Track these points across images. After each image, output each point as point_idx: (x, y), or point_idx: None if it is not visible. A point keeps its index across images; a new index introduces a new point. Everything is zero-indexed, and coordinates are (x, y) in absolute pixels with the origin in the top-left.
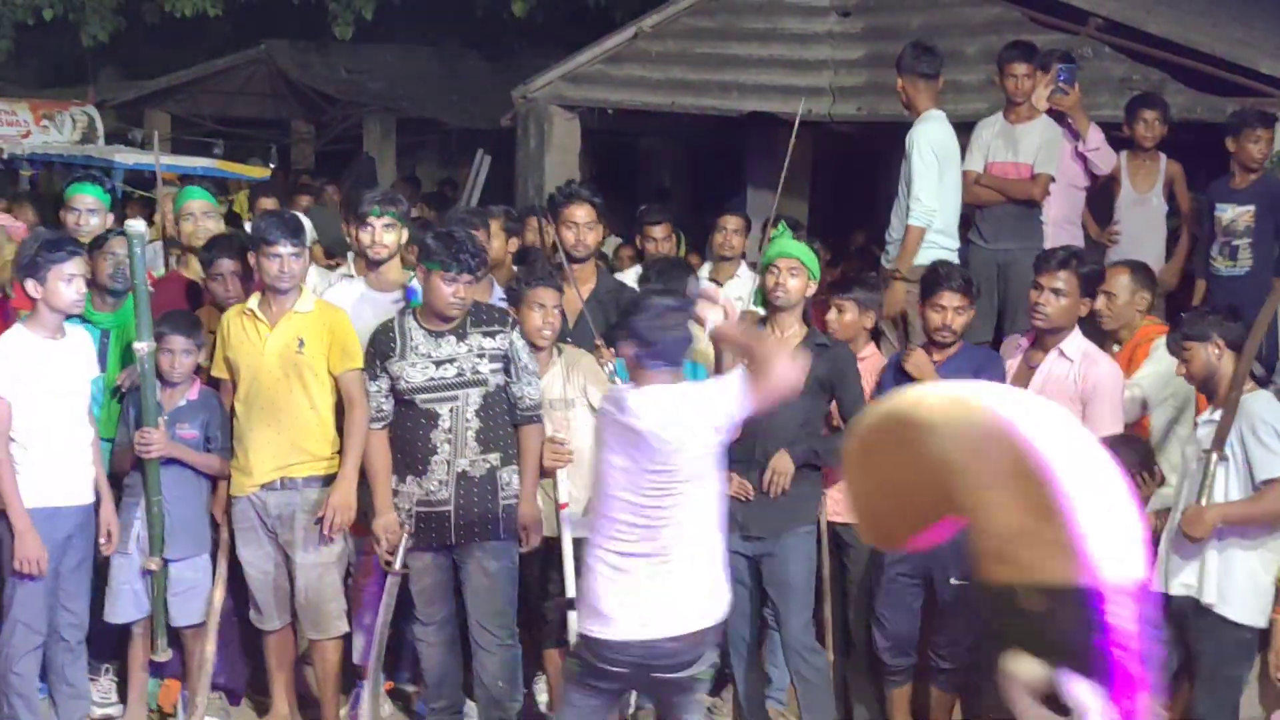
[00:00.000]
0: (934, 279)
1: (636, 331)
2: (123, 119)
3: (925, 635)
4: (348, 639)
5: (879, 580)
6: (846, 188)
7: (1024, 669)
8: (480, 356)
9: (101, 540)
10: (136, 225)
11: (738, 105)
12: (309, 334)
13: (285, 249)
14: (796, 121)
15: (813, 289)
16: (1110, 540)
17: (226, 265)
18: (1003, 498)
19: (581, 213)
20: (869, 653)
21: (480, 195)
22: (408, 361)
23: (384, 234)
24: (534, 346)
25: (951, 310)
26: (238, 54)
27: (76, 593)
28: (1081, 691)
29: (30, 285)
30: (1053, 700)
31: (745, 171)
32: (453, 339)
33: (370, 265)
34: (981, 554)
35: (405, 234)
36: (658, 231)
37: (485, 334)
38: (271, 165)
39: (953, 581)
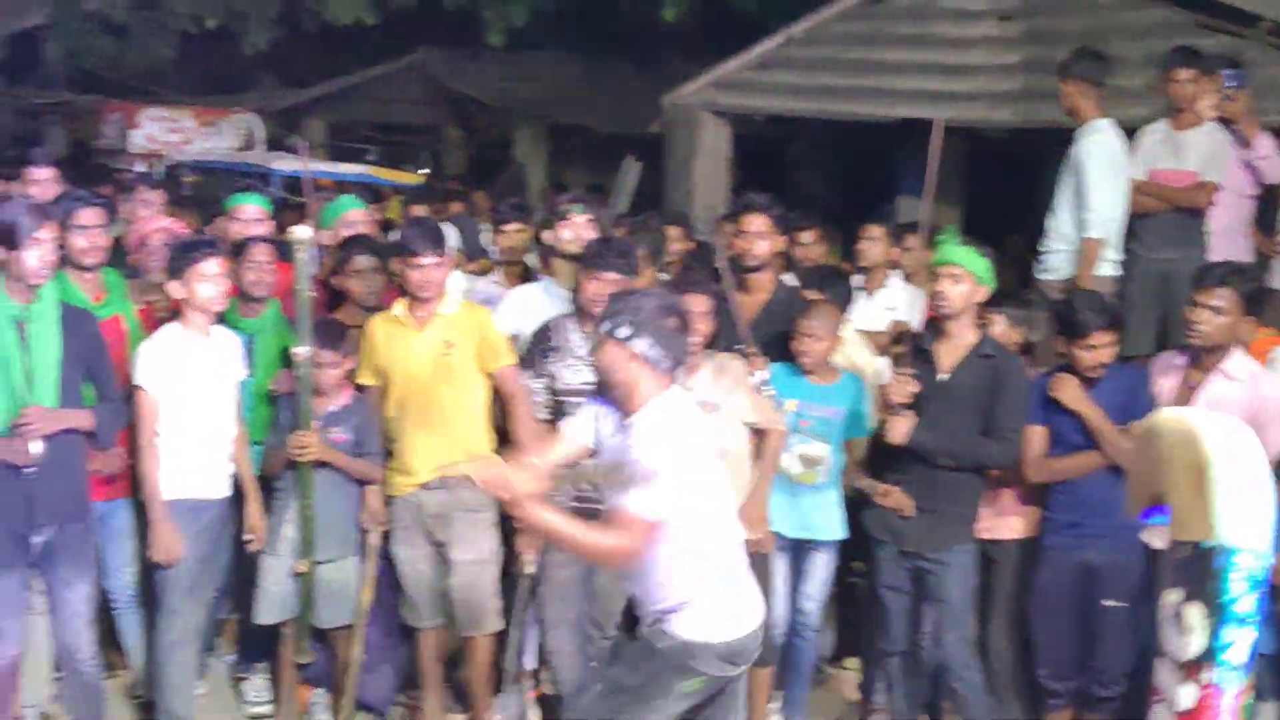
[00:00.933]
0: (1081, 321)
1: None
2: (281, 125)
3: (1082, 660)
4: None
5: (1034, 602)
6: (1000, 195)
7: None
8: None
9: (247, 538)
10: (302, 231)
11: (889, 111)
12: (457, 335)
13: (428, 259)
14: (940, 138)
15: (981, 295)
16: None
17: (363, 262)
18: (1181, 481)
19: (756, 222)
20: (1023, 677)
21: (630, 201)
22: (564, 363)
23: (586, 228)
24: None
25: (1102, 348)
26: (393, 61)
27: (208, 582)
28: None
29: (174, 286)
30: None
31: (896, 178)
32: None
33: (564, 260)
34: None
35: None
36: (806, 236)
37: None
38: (424, 171)
39: (1106, 604)
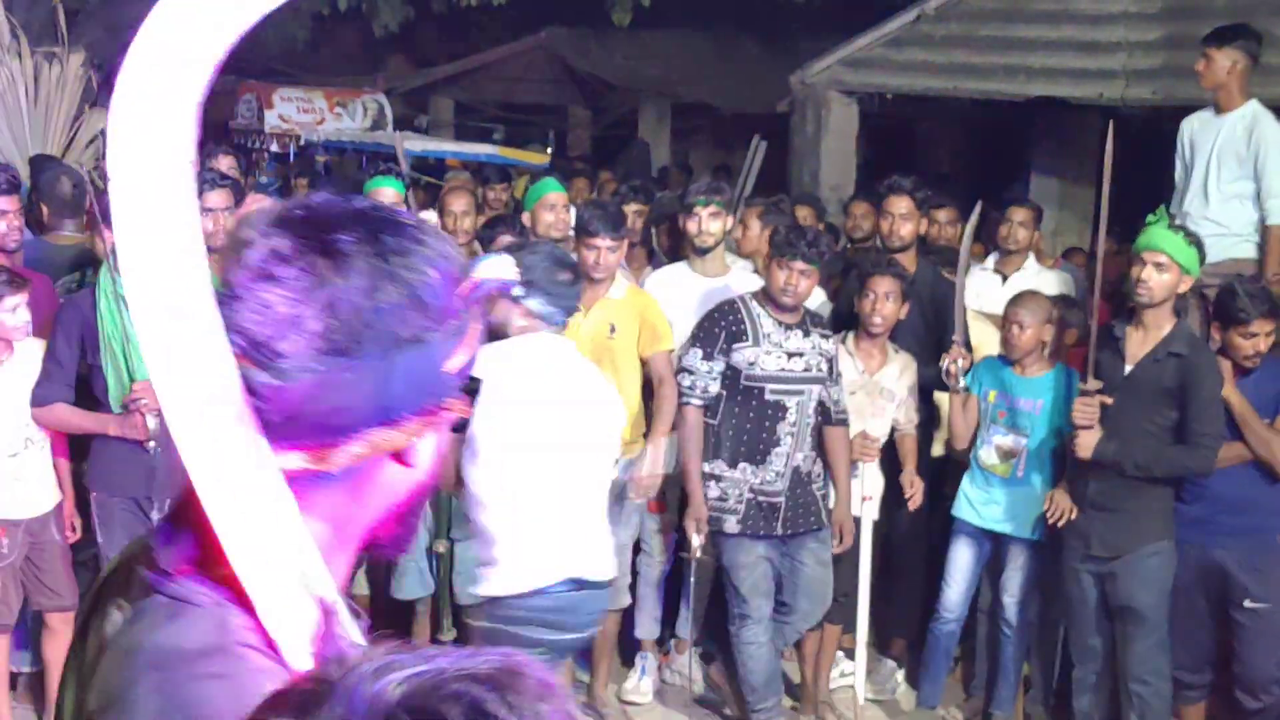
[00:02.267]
0: (1241, 307)
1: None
2: (410, 105)
3: (1228, 666)
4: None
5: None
6: (1137, 174)
7: None
8: (821, 356)
9: None
10: (428, 217)
11: (1024, 90)
12: (620, 319)
13: (604, 242)
14: (1111, 144)
15: (1186, 285)
16: None
17: (509, 242)
18: None
19: (901, 204)
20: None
21: (755, 182)
22: (762, 349)
23: (710, 222)
24: (867, 334)
25: (1264, 336)
26: (519, 41)
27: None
28: None
29: None
30: None
31: (1029, 157)
32: (799, 333)
33: (697, 252)
34: None
35: (729, 221)
36: (942, 215)
37: (821, 334)
38: (550, 150)
39: (1249, 605)
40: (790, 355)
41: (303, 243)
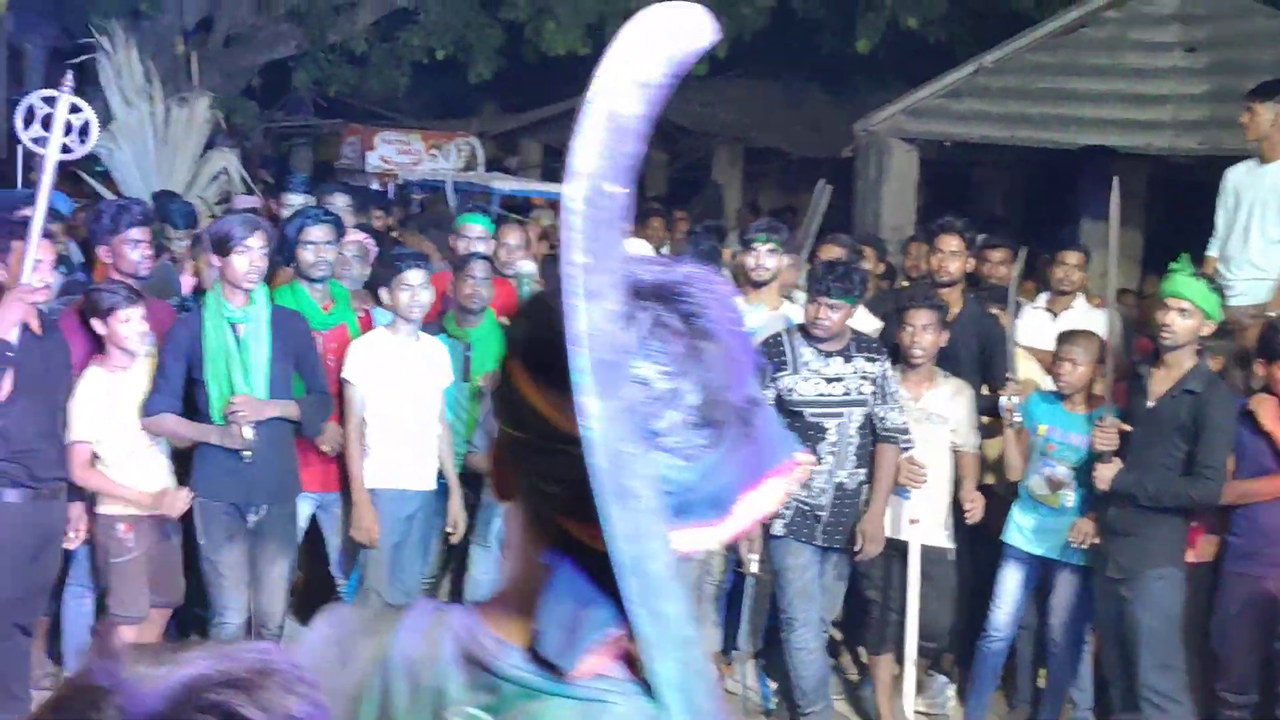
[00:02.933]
0: None
1: None
2: (500, 148)
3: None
4: None
5: (1215, 625)
6: (1183, 220)
7: None
8: (863, 379)
9: (449, 528)
10: (526, 266)
11: (1076, 139)
12: None
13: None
14: (1117, 200)
15: (1209, 330)
16: None
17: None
18: None
19: (950, 243)
20: (1205, 693)
21: (820, 222)
22: (800, 376)
23: (767, 258)
24: (906, 364)
25: None
26: None
27: (409, 567)
28: None
29: (382, 293)
30: None
31: (1080, 201)
32: (839, 359)
33: (754, 286)
34: None
35: (785, 259)
36: (995, 255)
37: (866, 359)
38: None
39: None
40: (829, 380)
41: (667, 310)
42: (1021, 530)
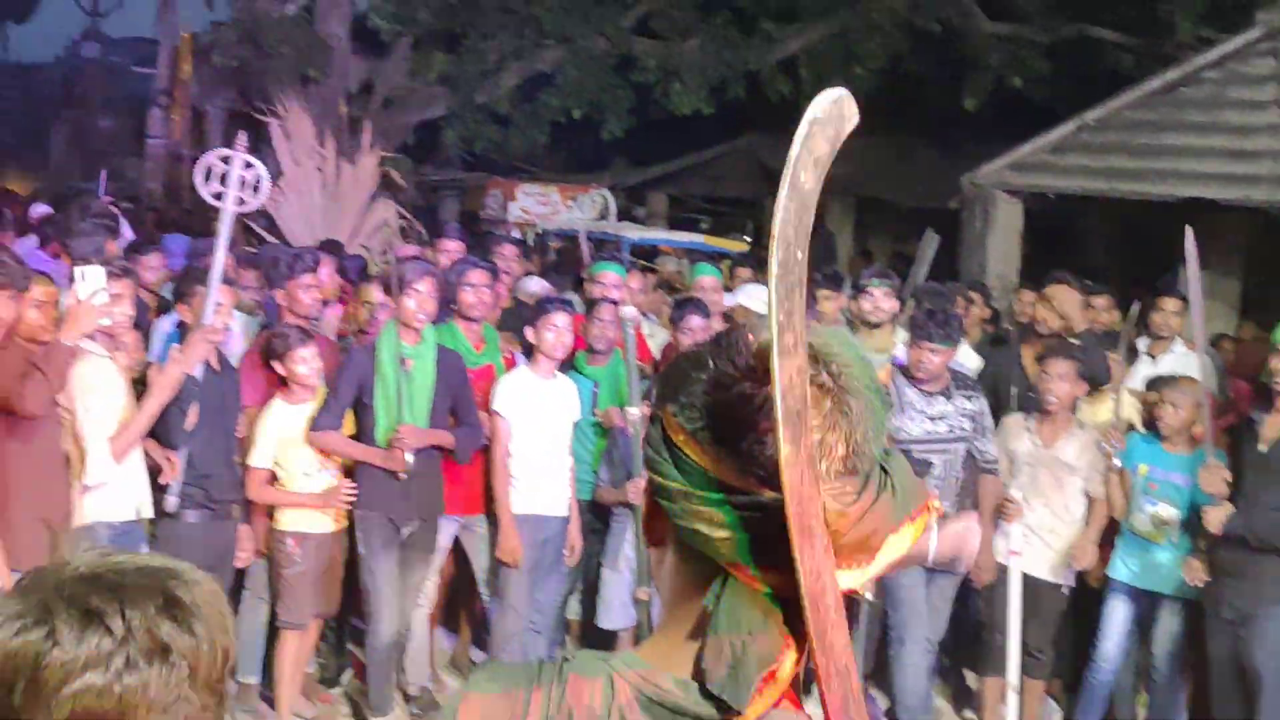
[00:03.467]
0: None
1: None
2: (630, 199)
3: None
4: None
5: None
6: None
7: None
8: (963, 416)
9: (566, 552)
10: (628, 310)
11: (1175, 191)
12: None
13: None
14: (1195, 255)
15: None
16: None
17: (696, 322)
18: None
19: (1060, 293)
20: None
21: (927, 270)
22: (906, 416)
23: (883, 300)
24: (1042, 411)
25: None
26: (724, 144)
27: (547, 588)
28: None
29: (528, 332)
30: None
31: (1179, 250)
32: (941, 399)
33: (868, 327)
34: None
35: (899, 303)
36: (1100, 303)
37: (965, 396)
38: (748, 239)
39: None
40: (933, 419)
41: (817, 371)
42: (1126, 565)
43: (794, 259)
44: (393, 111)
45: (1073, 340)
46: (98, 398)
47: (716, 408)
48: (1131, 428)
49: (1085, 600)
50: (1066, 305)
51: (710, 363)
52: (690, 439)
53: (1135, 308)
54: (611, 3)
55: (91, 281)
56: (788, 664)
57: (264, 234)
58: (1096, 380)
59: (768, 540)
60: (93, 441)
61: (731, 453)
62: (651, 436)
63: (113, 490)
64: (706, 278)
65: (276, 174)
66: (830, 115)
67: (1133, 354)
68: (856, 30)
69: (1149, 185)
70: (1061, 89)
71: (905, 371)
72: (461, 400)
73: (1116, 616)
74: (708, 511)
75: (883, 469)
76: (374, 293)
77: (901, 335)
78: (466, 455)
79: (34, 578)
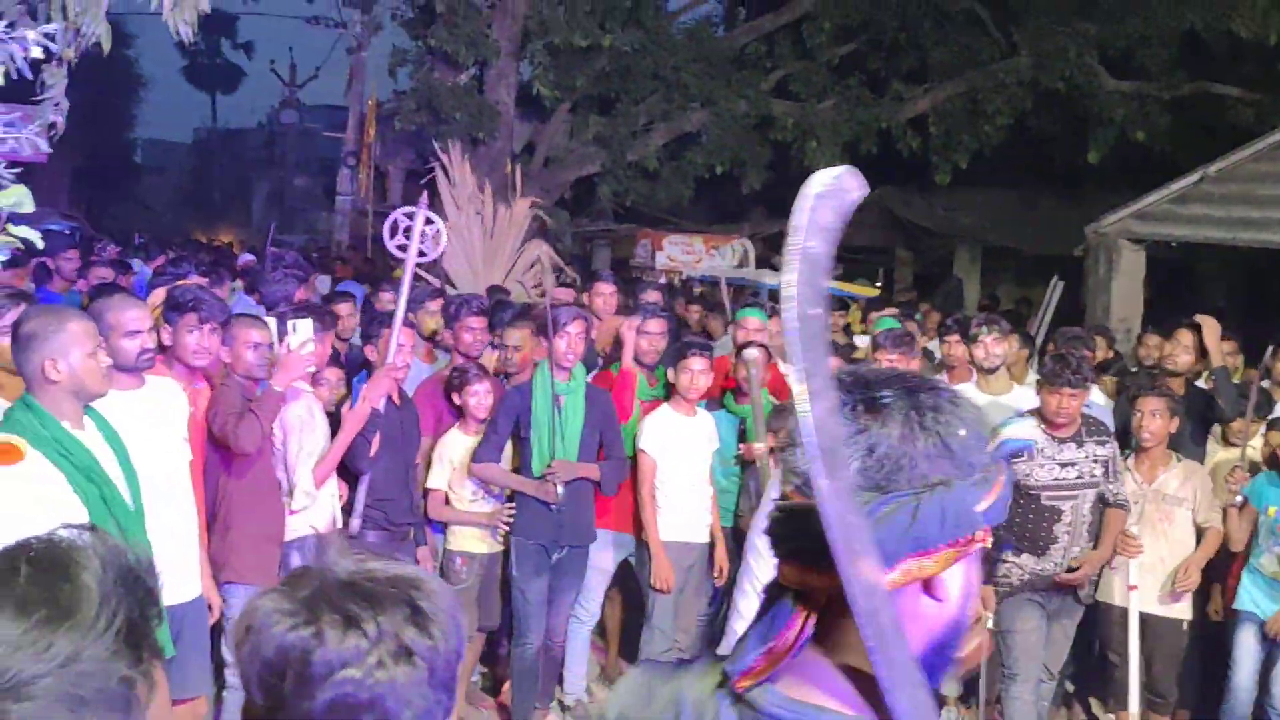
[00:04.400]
0: None
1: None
2: (768, 247)
3: None
4: None
5: None
6: None
7: None
8: (1095, 462)
9: (714, 574)
10: (751, 352)
11: None
12: None
13: (888, 355)
14: None
15: None
16: None
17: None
18: None
19: (1185, 338)
20: None
21: (1052, 315)
22: (1035, 462)
23: (994, 346)
24: (1139, 448)
25: None
26: None
27: (690, 608)
28: None
29: (669, 373)
30: None
31: None
32: (1073, 445)
33: (983, 373)
34: None
35: (1013, 344)
36: (1226, 346)
37: (1097, 442)
38: (878, 285)
39: None
40: (1063, 465)
41: (848, 396)
42: (1253, 599)
43: (808, 314)
44: (553, 169)
45: (1201, 380)
46: (306, 434)
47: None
48: (1259, 468)
49: (1210, 632)
50: (1209, 339)
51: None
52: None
53: (1270, 351)
54: (752, 68)
55: (301, 333)
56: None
57: (428, 277)
58: (1224, 418)
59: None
60: (301, 473)
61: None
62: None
63: (315, 508)
64: (751, 319)
65: (442, 218)
66: (832, 190)
67: (1264, 397)
68: (984, 89)
69: (1270, 234)
70: (1183, 142)
71: (1035, 415)
72: (609, 435)
73: (1246, 646)
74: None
75: (916, 493)
76: (517, 336)
77: (1030, 379)
78: (612, 487)
79: (301, 579)
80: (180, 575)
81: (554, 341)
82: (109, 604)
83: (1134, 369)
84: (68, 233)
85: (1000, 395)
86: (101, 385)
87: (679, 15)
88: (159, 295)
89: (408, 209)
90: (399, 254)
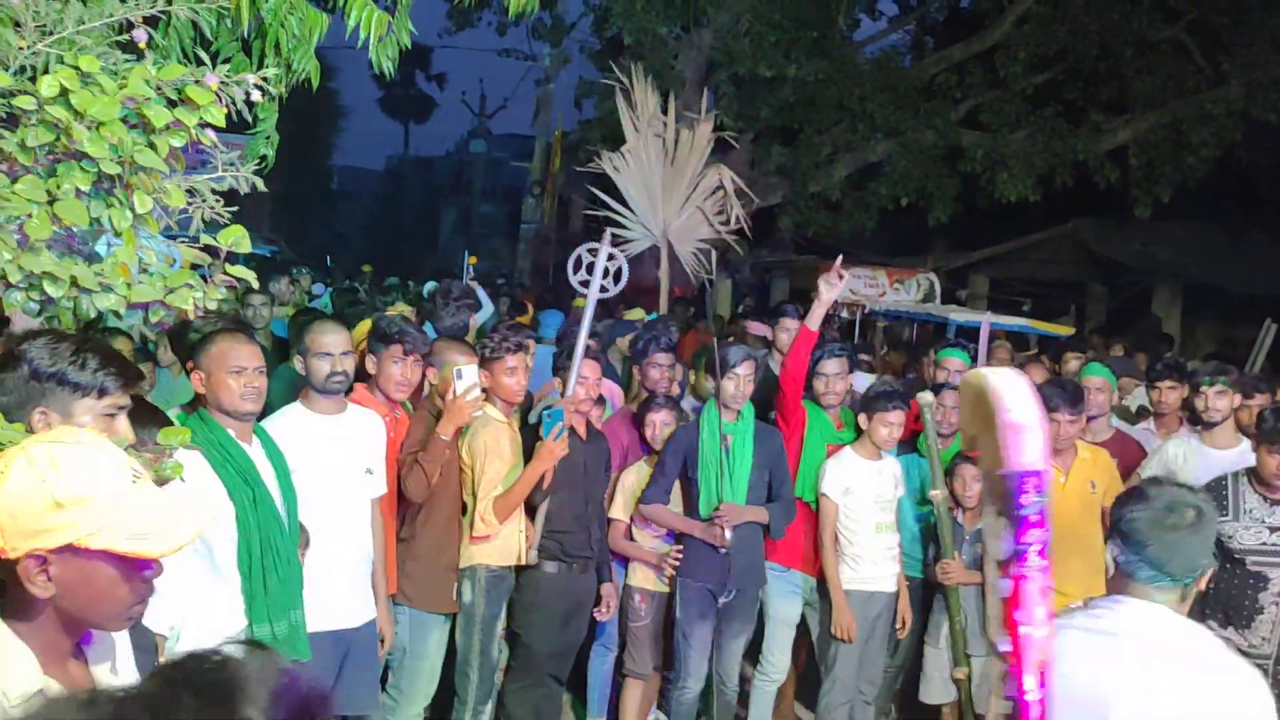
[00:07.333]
0: None
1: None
2: (951, 281)
3: None
4: None
5: None
6: None
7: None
8: None
9: (898, 625)
10: (925, 396)
11: None
12: (1097, 476)
13: (1064, 416)
14: None
15: None
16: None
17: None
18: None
19: None
20: None
21: (1264, 360)
22: (1241, 524)
23: (1215, 399)
24: None
25: None
26: (1049, 230)
27: (874, 659)
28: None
29: (861, 418)
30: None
31: None
32: None
33: (1205, 426)
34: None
35: (1238, 399)
36: None
37: None
38: (1073, 324)
39: None
40: (1273, 530)
41: None
42: None
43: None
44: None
45: None
46: (493, 460)
47: None
48: None
49: None
50: None
51: None
52: None
53: None
54: (940, 98)
55: (466, 379)
56: None
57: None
58: None
59: None
60: (484, 500)
61: None
62: None
63: (496, 541)
64: (952, 359)
65: (619, 143)
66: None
67: None
68: (1189, 120)
69: None
70: None
71: (1251, 474)
72: (777, 476)
73: None
74: None
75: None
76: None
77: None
78: (780, 530)
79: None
80: (349, 601)
81: (722, 383)
82: None
83: None
84: (269, 256)
85: (1226, 449)
86: (239, 404)
87: (865, 45)
88: (365, 326)
89: (591, 245)
90: (581, 289)
